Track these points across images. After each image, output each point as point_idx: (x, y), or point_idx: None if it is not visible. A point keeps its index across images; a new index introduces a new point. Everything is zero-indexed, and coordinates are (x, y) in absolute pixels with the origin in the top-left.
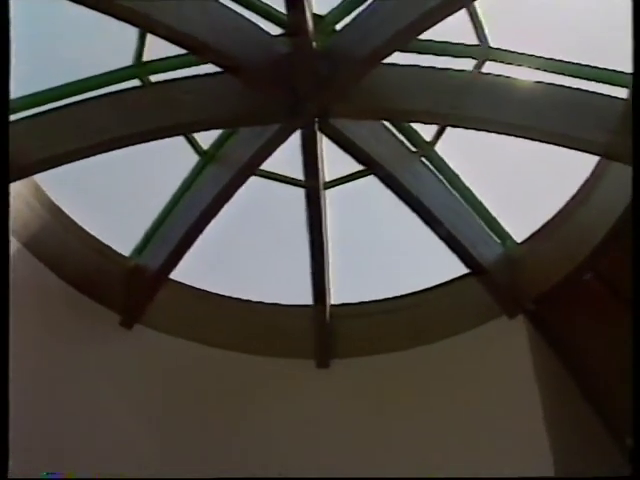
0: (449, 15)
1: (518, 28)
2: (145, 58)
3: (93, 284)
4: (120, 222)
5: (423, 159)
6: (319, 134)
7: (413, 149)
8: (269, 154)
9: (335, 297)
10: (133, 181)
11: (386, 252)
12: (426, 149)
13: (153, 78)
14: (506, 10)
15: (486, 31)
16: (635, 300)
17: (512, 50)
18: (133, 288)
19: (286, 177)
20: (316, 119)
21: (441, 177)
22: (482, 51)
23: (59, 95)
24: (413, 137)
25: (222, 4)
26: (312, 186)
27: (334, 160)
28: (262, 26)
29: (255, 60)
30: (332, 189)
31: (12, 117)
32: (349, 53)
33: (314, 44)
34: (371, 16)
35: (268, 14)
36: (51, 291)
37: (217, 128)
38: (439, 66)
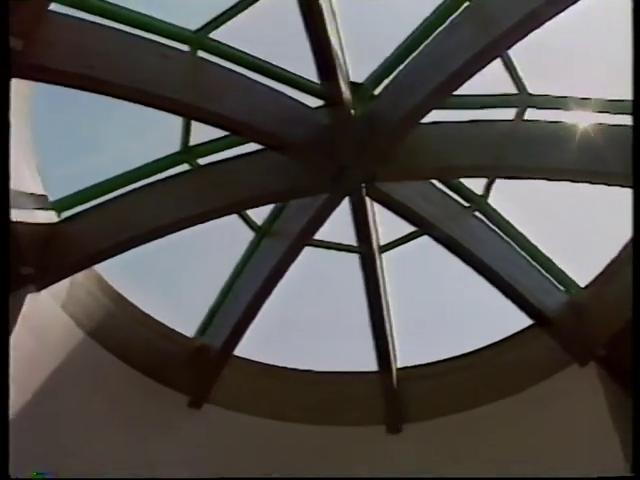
0: (483, 67)
1: (553, 71)
2: (191, 142)
3: (159, 367)
4: (182, 304)
5: (476, 213)
6: (367, 199)
7: (465, 204)
8: (320, 224)
9: (401, 360)
10: (192, 262)
11: (448, 310)
12: (479, 203)
13: (201, 161)
14: (539, 55)
15: (523, 78)
16: (635, 300)
17: (552, 94)
18: (199, 368)
19: (339, 244)
20: (363, 185)
21: (496, 229)
22: (522, 99)
23: (111, 187)
24: (464, 192)
25: (259, 83)
26: (365, 251)
27: (390, 222)
28: (301, 99)
29: (296, 134)
30: (389, 252)
31: (67, 213)
32: (388, 117)
33: (353, 112)
34: (406, 78)
35: (306, 87)
36: (118, 378)
37: (267, 203)
38: (479, 118)
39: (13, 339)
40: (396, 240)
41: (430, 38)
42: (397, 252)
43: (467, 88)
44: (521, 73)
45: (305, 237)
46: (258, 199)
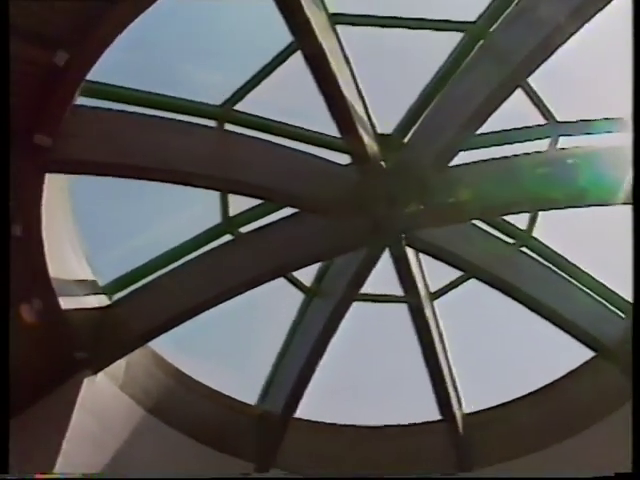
0: (504, 100)
1: (576, 96)
2: (231, 213)
3: (223, 437)
4: (240, 372)
5: (522, 249)
6: (408, 249)
7: (510, 241)
8: (364, 278)
9: (467, 404)
10: (245, 330)
11: (506, 350)
12: (523, 238)
13: (242, 229)
14: (559, 82)
15: (550, 107)
16: (635, 300)
17: (581, 119)
18: (263, 434)
19: (387, 296)
20: (402, 235)
21: (545, 262)
22: (552, 128)
23: (157, 266)
24: (507, 229)
25: (286, 147)
26: (413, 301)
27: (439, 267)
28: (331, 158)
29: (328, 194)
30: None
31: (117, 295)
32: (419, 163)
33: (383, 164)
34: (432, 122)
35: (333, 145)
36: (183, 451)
37: (310, 264)
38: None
39: (73, 423)
40: (445, 286)
41: (450, 81)
42: (449, 297)
43: (497, 125)
44: (547, 103)
45: (351, 293)
46: (301, 261)
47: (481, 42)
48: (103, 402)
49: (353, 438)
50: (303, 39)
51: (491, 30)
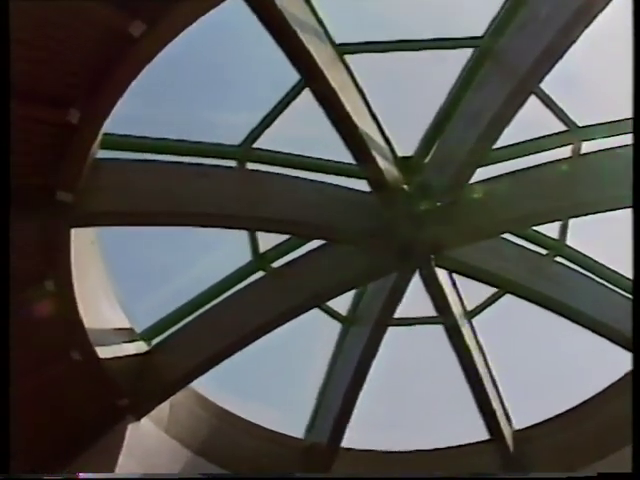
0: (517, 109)
1: (597, 100)
2: (261, 249)
3: (272, 472)
4: (284, 405)
5: (557, 258)
6: (438, 269)
7: (543, 252)
8: (396, 303)
9: (515, 421)
10: (285, 363)
11: (550, 364)
12: (557, 247)
13: (274, 264)
14: (574, 88)
15: (569, 114)
16: (635, 299)
17: (602, 122)
18: (311, 466)
19: (421, 318)
20: (431, 256)
21: (582, 270)
22: (574, 134)
23: (193, 308)
24: (539, 240)
25: (308, 180)
26: (448, 321)
27: (474, 285)
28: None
29: (354, 222)
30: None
31: (155, 340)
32: (440, 183)
33: (406, 187)
34: (449, 140)
35: (354, 173)
36: None
37: (343, 293)
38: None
39: (120, 469)
40: (481, 304)
41: (464, 98)
42: (487, 314)
43: (518, 136)
44: (566, 110)
45: (385, 319)
46: (334, 290)
47: (490, 56)
48: (149, 446)
49: (403, 463)
50: (310, 79)
51: (498, 43)
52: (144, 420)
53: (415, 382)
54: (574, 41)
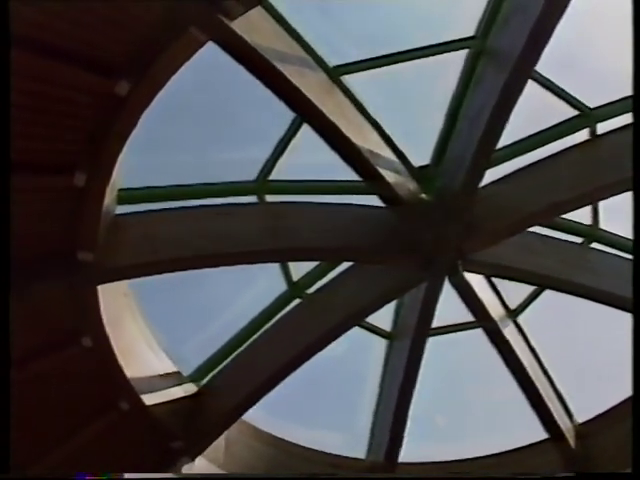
0: (517, 98)
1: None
2: (295, 278)
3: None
4: (342, 428)
5: (593, 245)
6: (467, 274)
7: (578, 240)
8: (432, 312)
9: (577, 415)
10: (340, 387)
11: (602, 353)
12: (591, 233)
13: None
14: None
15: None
16: (635, 298)
17: (614, 100)
18: None
19: (459, 325)
20: (458, 262)
21: (620, 253)
22: (587, 117)
23: (236, 345)
24: (571, 228)
25: (329, 203)
26: (486, 324)
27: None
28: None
29: (378, 239)
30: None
31: (202, 381)
32: (455, 187)
33: (424, 196)
34: (458, 143)
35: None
36: None
37: (378, 308)
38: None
39: None
40: (522, 303)
41: (465, 99)
42: (531, 311)
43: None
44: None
45: (422, 330)
46: (368, 308)
47: (484, 54)
48: None
49: (466, 471)
50: (299, 112)
51: (489, 40)
52: (199, 460)
53: (465, 389)
54: (556, 23)
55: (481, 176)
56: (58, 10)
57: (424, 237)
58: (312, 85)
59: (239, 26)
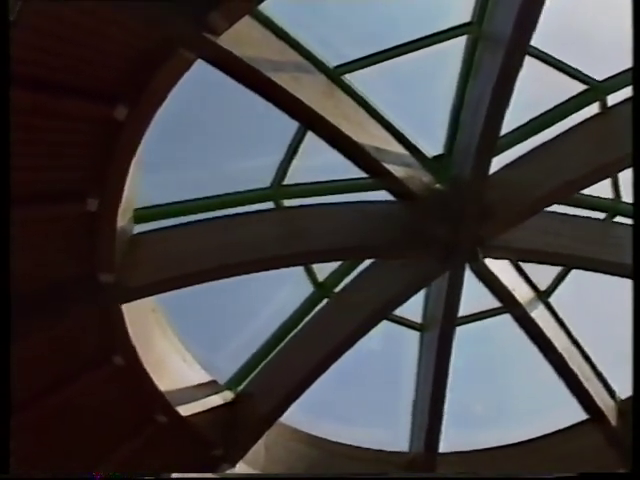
0: (516, 74)
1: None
2: (320, 279)
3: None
4: (384, 423)
5: (616, 219)
6: (489, 260)
7: (600, 216)
8: (457, 301)
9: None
10: (380, 382)
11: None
12: (614, 207)
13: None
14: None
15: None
16: (635, 297)
17: (623, 70)
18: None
19: (486, 312)
20: (477, 249)
21: None
22: (596, 90)
23: (269, 349)
24: (593, 204)
25: (346, 202)
26: (513, 309)
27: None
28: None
29: (394, 233)
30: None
31: (239, 388)
32: (467, 173)
33: (438, 186)
34: (466, 130)
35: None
36: None
37: (406, 300)
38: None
39: None
40: (551, 284)
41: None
42: (561, 291)
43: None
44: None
45: (449, 319)
46: (396, 300)
47: (481, 38)
48: None
49: (505, 459)
50: (304, 121)
51: (485, 23)
52: (239, 465)
53: (502, 375)
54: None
55: (490, 161)
56: (49, 46)
57: (441, 227)
58: (309, 89)
59: (227, 40)
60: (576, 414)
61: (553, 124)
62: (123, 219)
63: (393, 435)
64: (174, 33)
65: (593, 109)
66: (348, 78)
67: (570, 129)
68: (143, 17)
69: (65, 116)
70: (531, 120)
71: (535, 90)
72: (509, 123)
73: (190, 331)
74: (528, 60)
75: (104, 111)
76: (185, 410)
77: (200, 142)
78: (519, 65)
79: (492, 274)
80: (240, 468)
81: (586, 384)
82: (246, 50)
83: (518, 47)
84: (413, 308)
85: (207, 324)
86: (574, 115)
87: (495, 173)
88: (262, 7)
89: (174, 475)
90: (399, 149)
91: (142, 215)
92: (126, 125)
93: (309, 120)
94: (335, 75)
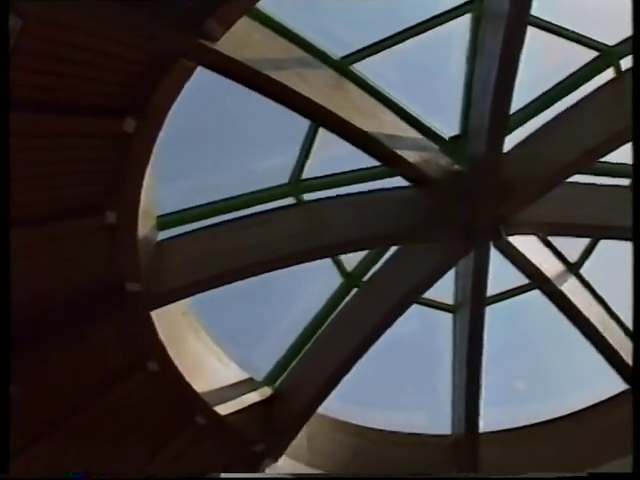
0: (520, 48)
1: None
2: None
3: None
4: (425, 407)
5: None
6: (515, 237)
7: (624, 183)
8: (484, 281)
9: None
10: (419, 366)
11: None
12: None
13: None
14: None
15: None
16: (635, 297)
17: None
18: (460, 460)
19: (515, 289)
20: (500, 226)
21: None
22: (609, 55)
23: (304, 342)
24: (616, 170)
25: (366, 191)
26: (542, 284)
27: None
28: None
29: (416, 219)
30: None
31: (277, 382)
32: (483, 152)
33: (456, 167)
34: (478, 107)
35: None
36: None
37: (433, 283)
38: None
39: None
40: (581, 255)
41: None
42: (593, 262)
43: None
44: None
45: (478, 299)
46: (424, 283)
47: (484, 15)
48: None
49: (547, 435)
50: (312, 116)
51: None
52: (282, 460)
53: (539, 351)
54: None
55: (504, 138)
56: (53, 68)
57: (461, 208)
58: (316, 84)
59: (226, 45)
60: (616, 385)
61: (568, 94)
62: (145, 228)
63: (435, 418)
64: (172, 45)
65: (607, 75)
66: (356, 68)
67: (584, 98)
68: (141, 33)
69: (77, 135)
70: (545, 92)
71: (546, 63)
72: (523, 98)
73: (223, 331)
74: (536, 33)
75: (113, 126)
76: (224, 409)
77: (215, 147)
78: (522, 39)
79: (517, 251)
80: (283, 462)
81: (622, 353)
82: (247, 52)
83: (518, 21)
84: (445, 291)
85: (240, 323)
86: (589, 84)
87: (512, 149)
88: (261, 6)
89: (223, 475)
90: (413, 134)
91: (165, 222)
92: (136, 137)
93: (318, 116)
94: (343, 66)
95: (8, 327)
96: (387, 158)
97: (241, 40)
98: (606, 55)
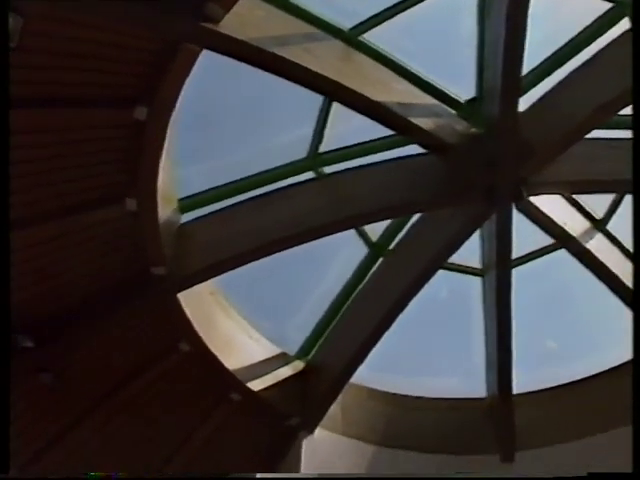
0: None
1: None
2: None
3: (458, 441)
4: (459, 371)
5: None
6: (538, 197)
7: None
8: (508, 243)
9: None
10: (450, 331)
11: None
12: None
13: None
14: None
15: None
16: (635, 296)
17: None
18: (496, 423)
19: (540, 250)
20: (521, 187)
21: None
22: (625, 5)
23: (332, 316)
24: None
25: (385, 160)
26: (568, 244)
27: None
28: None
29: (435, 185)
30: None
31: (310, 355)
32: (499, 112)
33: (474, 130)
34: (491, 70)
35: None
36: (429, 467)
37: (457, 248)
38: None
39: None
40: (607, 211)
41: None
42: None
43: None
44: None
45: (503, 261)
46: (449, 248)
47: None
48: (329, 454)
49: (580, 394)
50: (322, 90)
51: None
52: (318, 431)
53: (569, 311)
54: None
55: (518, 98)
56: (58, 64)
57: (481, 171)
58: (325, 58)
59: (229, 25)
60: None
61: (582, 50)
62: (166, 212)
63: (469, 382)
64: (175, 31)
65: (621, 27)
66: (365, 38)
67: (598, 52)
68: (143, 22)
69: (91, 126)
70: (560, 48)
71: (559, 19)
72: (538, 56)
73: (252, 308)
74: None
75: (125, 114)
76: (257, 385)
77: (231, 127)
78: None
79: (540, 211)
80: (319, 434)
81: None
82: (251, 30)
83: None
84: (475, 255)
85: (268, 299)
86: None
87: (528, 109)
88: None
89: (259, 475)
90: (429, 100)
91: (186, 205)
92: (148, 123)
93: (330, 90)
94: (351, 37)
95: (8, 327)
96: (402, 127)
97: (244, 18)
98: (620, 4)
